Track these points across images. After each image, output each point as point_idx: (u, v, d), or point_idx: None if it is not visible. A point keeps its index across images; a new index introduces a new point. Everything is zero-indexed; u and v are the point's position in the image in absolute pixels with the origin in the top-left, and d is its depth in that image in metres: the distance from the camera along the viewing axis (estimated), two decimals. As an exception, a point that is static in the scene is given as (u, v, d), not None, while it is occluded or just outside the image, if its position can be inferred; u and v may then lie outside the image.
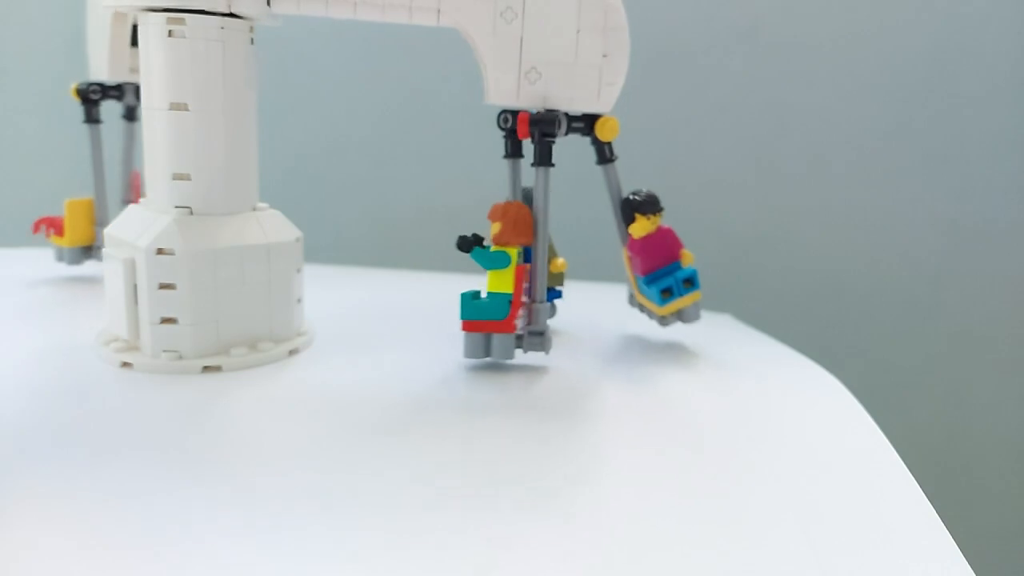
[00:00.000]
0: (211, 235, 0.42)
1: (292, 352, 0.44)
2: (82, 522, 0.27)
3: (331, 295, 0.59)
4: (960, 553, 0.28)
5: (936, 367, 0.81)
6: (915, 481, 0.33)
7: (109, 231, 0.44)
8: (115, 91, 0.59)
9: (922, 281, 0.81)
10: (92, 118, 0.59)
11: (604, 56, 0.42)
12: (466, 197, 0.62)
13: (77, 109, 0.58)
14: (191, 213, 0.42)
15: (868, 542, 0.28)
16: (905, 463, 0.35)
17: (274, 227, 0.45)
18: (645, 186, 0.49)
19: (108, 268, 0.43)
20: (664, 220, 0.48)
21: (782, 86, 0.80)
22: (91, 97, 0.58)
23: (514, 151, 0.46)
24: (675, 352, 0.49)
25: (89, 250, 0.61)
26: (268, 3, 0.42)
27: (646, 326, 0.55)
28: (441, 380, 0.42)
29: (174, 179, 0.42)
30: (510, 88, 0.43)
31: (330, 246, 0.87)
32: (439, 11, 0.42)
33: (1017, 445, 0.82)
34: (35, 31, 0.91)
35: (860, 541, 0.28)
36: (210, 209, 0.43)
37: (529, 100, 0.43)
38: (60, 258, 0.61)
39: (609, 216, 0.48)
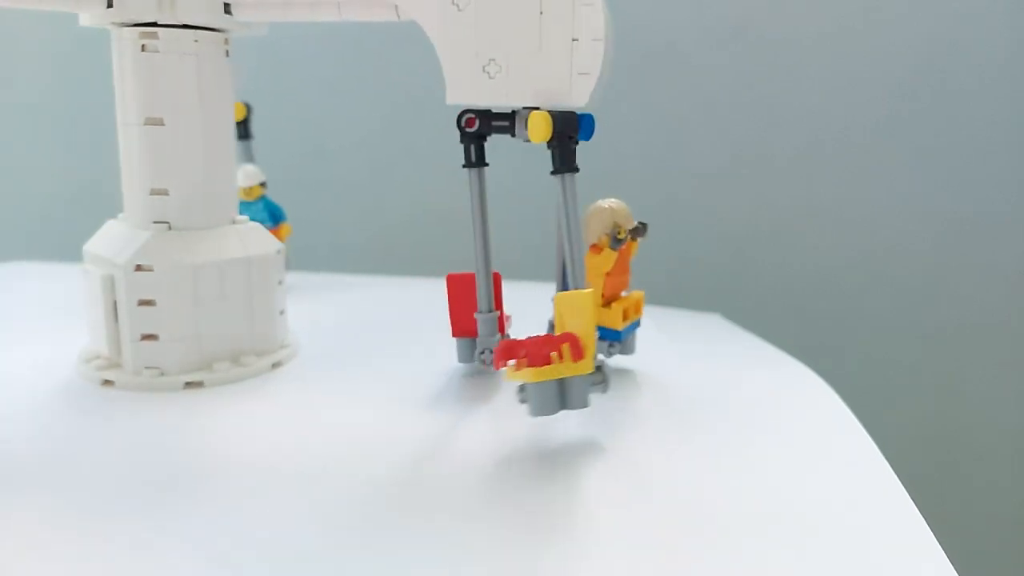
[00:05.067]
0: (190, 250, 0.42)
1: (275, 365, 0.44)
2: (56, 547, 0.27)
3: (320, 304, 0.58)
4: (941, 551, 0.27)
5: (930, 363, 0.81)
6: (897, 479, 0.33)
7: (88, 248, 0.44)
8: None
9: (914, 277, 0.81)
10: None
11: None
12: (462, 200, 0.62)
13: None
14: (169, 228, 0.42)
15: (848, 541, 0.28)
16: (899, 460, 0.35)
17: (254, 240, 0.44)
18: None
19: (87, 285, 0.43)
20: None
21: (772, 82, 0.80)
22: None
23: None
24: (659, 352, 0.49)
25: None
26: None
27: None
28: (428, 391, 0.42)
29: (151, 194, 0.42)
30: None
31: (324, 253, 0.86)
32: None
33: (1012, 441, 0.82)
34: (26, 42, 0.91)
35: (840, 540, 0.28)
36: (188, 224, 0.42)
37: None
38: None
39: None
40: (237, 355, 0.43)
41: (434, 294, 0.61)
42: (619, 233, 0.41)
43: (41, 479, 0.31)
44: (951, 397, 0.82)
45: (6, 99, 0.92)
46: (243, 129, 0.63)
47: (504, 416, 0.38)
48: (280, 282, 0.46)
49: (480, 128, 0.39)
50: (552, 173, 0.36)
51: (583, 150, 0.43)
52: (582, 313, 0.34)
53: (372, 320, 0.55)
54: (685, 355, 0.49)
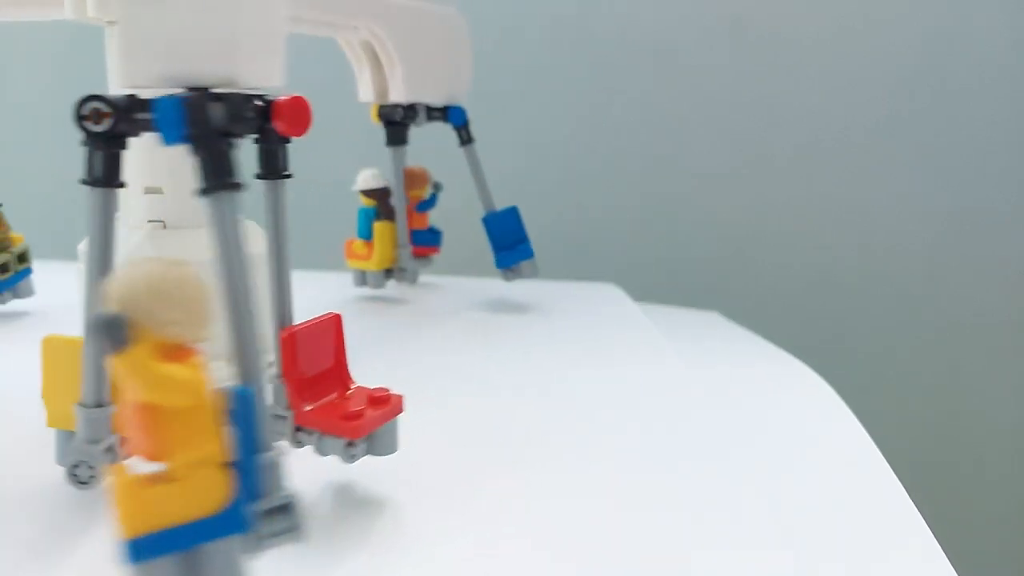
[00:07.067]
0: (185, 249, 0.41)
1: (271, 364, 0.44)
2: (55, 547, 0.26)
3: (319, 302, 0.58)
4: (940, 549, 0.27)
5: (928, 361, 0.81)
6: (895, 477, 0.32)
7: (83, 248, 0.43)
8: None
9: (913, 275, 0.81)
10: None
11: None
12: (456, 199, 0.62)
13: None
14: (164, 227, 0.42)
15: (846, 538, 0.28)
16: (897, 458, 0.35)
17: (250, 239, 0.44)
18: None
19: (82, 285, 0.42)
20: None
21: (771, 81, 0.80)
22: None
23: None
24: (657, 349, 0.49)
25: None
26: None
27: (623, 323, 0.54)
28: (426, 389, 0.42)
29: (146, 193, 0.42)
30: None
31: (324, 251, 0.86)
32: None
33: (1011, 439, 0.82)
34: (26, 42, 0.91)
35: (837, 539, 0.28)
36: (184, 222, 0.42)
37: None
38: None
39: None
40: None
41: (436, 292, 0.61)
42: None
43: (38, 479, 0.31)
44: (949, 395, 0.81)
45: (6, 99, 0.92)
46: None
47: (506, 415, 0.38)
48: (276, 281, 0.46)
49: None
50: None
51: (577, 147, 0.41)
52: None
53: (373, 318, 0.55)
54: (683, 353, 0.49)
